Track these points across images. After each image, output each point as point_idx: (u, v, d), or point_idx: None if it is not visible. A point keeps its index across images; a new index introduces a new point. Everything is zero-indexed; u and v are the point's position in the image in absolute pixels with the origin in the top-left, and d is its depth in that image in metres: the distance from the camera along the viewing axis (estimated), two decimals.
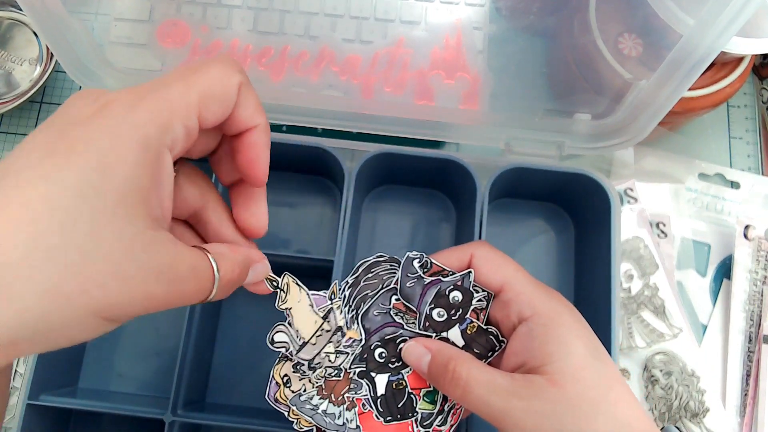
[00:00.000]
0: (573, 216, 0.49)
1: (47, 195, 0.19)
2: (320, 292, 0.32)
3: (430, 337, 0.32)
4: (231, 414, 0.42)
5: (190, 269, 0.23)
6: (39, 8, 0.40)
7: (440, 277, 0.32)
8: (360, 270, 0.33)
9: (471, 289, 0.32)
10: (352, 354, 0.32)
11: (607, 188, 0.43)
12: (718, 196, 0.52)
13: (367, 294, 0.33)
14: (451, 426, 0.33)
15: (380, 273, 0.33)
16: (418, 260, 0.33)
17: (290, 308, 0.31)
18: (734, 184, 0.52)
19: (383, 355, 0.33)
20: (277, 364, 0.33)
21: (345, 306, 0.33)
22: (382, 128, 0.45)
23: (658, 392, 0.46)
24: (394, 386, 0.32)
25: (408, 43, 0.48)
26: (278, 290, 0.31)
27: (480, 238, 0.42)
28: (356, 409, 0.32)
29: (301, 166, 0.49)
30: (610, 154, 0.52)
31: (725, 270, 0.50)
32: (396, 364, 0.33)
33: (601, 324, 0.42)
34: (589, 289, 0.45)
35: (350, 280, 0.33)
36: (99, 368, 0.46)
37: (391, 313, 0.33)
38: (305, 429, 0.32)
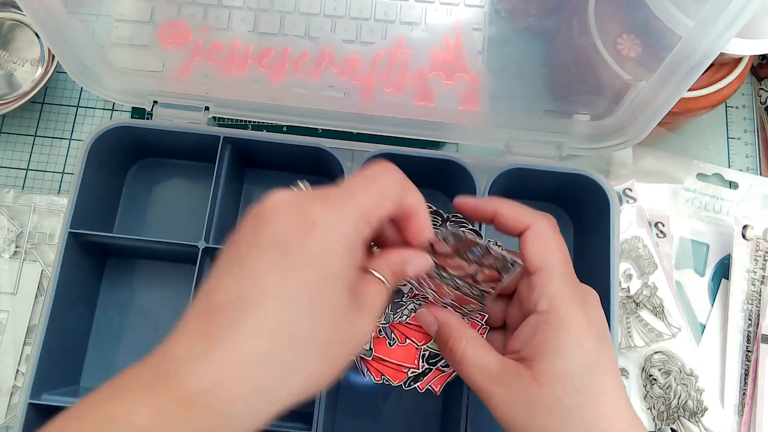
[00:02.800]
0: (572, 216, 0.50)
1: (293, 313, 0.25)
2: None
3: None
4: None
5: (374, 301, 0.29)
6: (40, 9, 0.40)
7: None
8: None
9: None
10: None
11: (606, 188, 0.44)
12: (716, 196, 0.52)
13: None
14: (453, 372, 0.35)
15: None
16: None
17: None
18: (732, 185, 0.52)
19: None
20: None
21: None
22: (381, 129, 0.45)
23: (657, 391, 0.46)
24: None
25: (408, 44, 0.48)
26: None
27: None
28: (372, 334, 0.35)
29: (301, 166, 0.49)
30: (609, 155, 0.52)
31: (724, 270, 0.50)
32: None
33: None
34: None
35: None
36: (100, 367, 0.46)
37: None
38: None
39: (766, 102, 0.54)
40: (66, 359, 0.45)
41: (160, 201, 0.50)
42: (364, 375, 0.35)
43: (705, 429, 0.46)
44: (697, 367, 0.47)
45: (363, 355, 0.35)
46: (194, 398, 0.23)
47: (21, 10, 0.53)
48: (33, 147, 0.54)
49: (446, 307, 0.35)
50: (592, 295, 0.33)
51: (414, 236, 0.31)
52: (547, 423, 0.29)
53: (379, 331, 0.36)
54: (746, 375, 0.47)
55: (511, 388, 0.30)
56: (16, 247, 0.50)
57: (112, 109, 0.55)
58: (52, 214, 0.51)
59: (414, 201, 0.30)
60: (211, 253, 0.44)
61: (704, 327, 0.49)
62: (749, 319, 0.48)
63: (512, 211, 0.34)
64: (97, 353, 0.47)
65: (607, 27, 0.44)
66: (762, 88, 0.55)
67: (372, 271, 0.30)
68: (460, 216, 0.36)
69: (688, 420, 0.46)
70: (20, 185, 0.53)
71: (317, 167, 0.48)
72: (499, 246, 0.33)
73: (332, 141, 0.45)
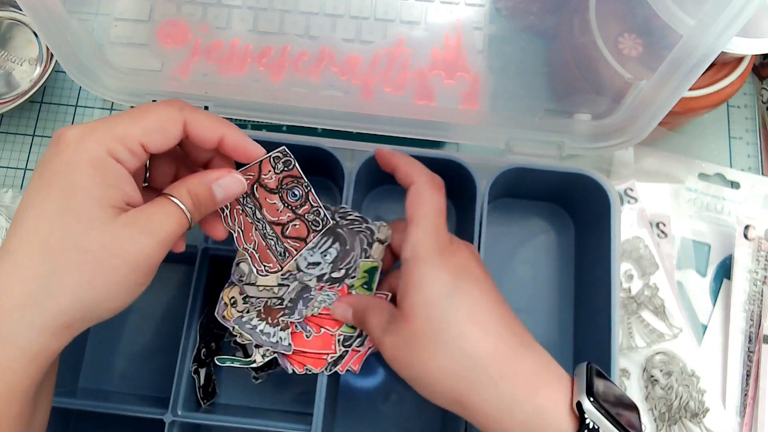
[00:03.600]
0: (573, 216, 0.49)
1: (42, 223, 0.28)
2: None
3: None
4: (231, 414, 0.42)
5: (159, 220, 0.30)
6: (39, 8, 0.40)
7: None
8: None
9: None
10: (293, 288, 0.38)
11: (607, 188, 0.43)
12: (718, 196, 0.52)
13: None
14: (369, 348, 0.39)
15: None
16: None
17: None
18: (734, 184, 0.52)
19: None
20: (227, 287, 0.39)
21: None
22: (382, 128, 0.45)
23: (658, 392, 0.46)
24: None
25: (408, 43, 0.48)
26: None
27: (480, 238, 0.42)
28: (290, 329, 0.38)
29: (301, 166, 0.49)
30: (610, 154, 0.52)
31: (725, 270, 0.50)
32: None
33: (600, 324, 0.42)
34: (589, 288, 0.45)
35: None
36: (99, 368, 0.46)
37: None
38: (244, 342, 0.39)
39: (767, 101, 0.54)
40: (64, 360, 0.44)
41: None
42: (288, 370, 0.38)
43: (707, 430, 0.45)
44: (699, 367, 0.47)
45: (284, 352, 0.38)
46: None
47: (19, 9, 0.53)
48: (31, 146, 0.54)
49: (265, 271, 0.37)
50: (459, 244, 0.36)
51: (244, 159, 0.34)
52: (420, 355, 0.31)
53: (296, 326, 0.38)
54: (748, 376, 0.47)
55: (392, 333, 0.33)
56: None
57: (111, 109, 0.55)
58: None
59: (208, 128, 0.32)
60: (210, 254, 0.43)
61: (706, 327, 0.49)
62: (751, 320, 0.48)
63: (405, 167, 0.36)
64: (96, 354, 0.47)
65: (608, 26, 0.44)
66: (764, 88, 0.55)
67: (167, 193, 0.31)
68: (347, 209, 0.40)
69: (690, 421, 0.46)
70: (19, 185, 0.53)
71: (317, 167, 0.48)
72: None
73: (332, 141, 0.45)
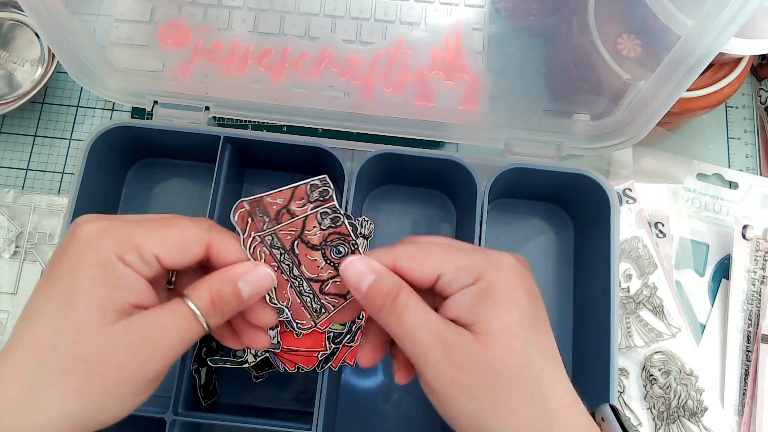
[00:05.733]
0: (572, 216, 0.50)
1: (41, 325, 0.26)
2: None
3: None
4: (232, 413, 0.43)
5: (161, 326, 0.27)
6: (41, 9, 0.40)
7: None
8: None
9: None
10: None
11: (606, 188, 0.44)
12: (716, 196, 0.52)
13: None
14: (359, 344, 0.37)
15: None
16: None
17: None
18: (732, 185, 0.52)
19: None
20: None
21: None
22: (382, 128, 0.45)
23: (657, 391, 0.46)
24: None
25: (408, 44, 0.48)
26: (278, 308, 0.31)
27: (480, 237, 0.42)
28: (278, 328, 0.37)
29: (302, 166, 0.49)
30: (609, 155, 0.52)
31: (723, 270, 0.50)
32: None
33: (600, 323, 0.42)
34: (588, 288, 0.46)
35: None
36: None
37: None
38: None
39: (766, 102, 0.54)
40: None
41: (160, 201, 0.50)
42: (279, 369, 0.38)
43: (705, 429, 0.46)
44: (697, 367, 0.47)
45: (272, 349, 0.37)
46: None
47: (21, 10, 0.53)
48: (33, 147, 0.54)
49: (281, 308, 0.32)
50: (511, 258, 0.30)
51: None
52: (492, 387, 0.26)
53: (285, 325, 0.33)
54: (746, 375, 0.47)
55: (454, 348, 0.27)
56: (16, 247, 0.50)
57: (112, 109, 0.55)
58: (52, 214, 0.51)
59: (232, 255, 0.30)
60: None
61: (704, 327, 0.49)
62: (749, 319, 0.48)
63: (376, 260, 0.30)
64: None
65: (607, 27, 0.44)
66: (762, 88, 0.55)
67: (183, 294, 0.28)
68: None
69: (688, 420, 0.46)
70: (20, 185, 0.53)
71: (317, 167, 0.48)
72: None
73: (332, 141, 0.45)
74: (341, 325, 0.39)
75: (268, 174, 0.51)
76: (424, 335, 0.27)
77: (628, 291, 0.48)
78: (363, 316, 0.39)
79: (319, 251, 0.32)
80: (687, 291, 0.50)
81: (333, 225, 0.32)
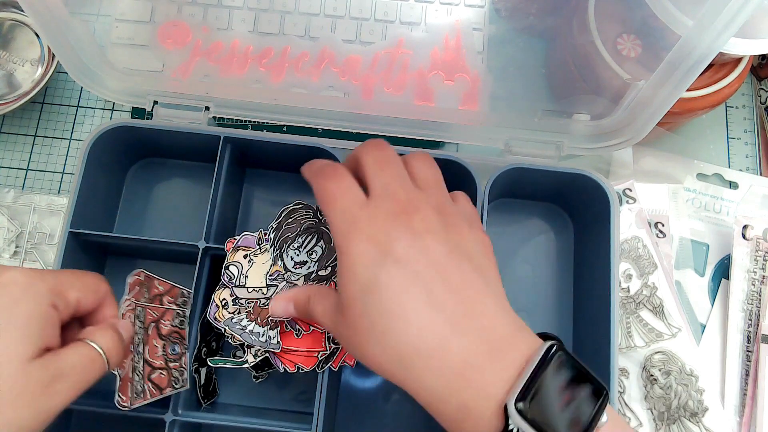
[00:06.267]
0: (572, 216, 0.50)
1: None
2: (250, 234, 0.40)
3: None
4: (232, 413, 0.43)
5: (73, 366, 0.31)
6: (41, 9, 0.40)
7: None
8: (282, 215, 0.40)
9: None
10: (281, 288, 0.39)
11: (606, 188, 0.44)
12: (716, 196, 0.52)
13: (288, 236, 0.40)
14: None
15: (298, 218, 0.39)
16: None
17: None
18: (732, 184, 0.52)
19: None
20: (218, 289, 0.40)
21: (270, 246, 0.40)
22: (382, 129, 0.45)
23: (657, 392, 0.46)
24: None
25: (408, 44, 0.48)
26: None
27: None
28: (278, 328, 0.39)
29: (301, 166, 0.49)
30: (609, 155, 0.52)
31: (724, 270, 0.50)
32: None
33: (599, 323, 0.42)
34: (588, 288, 0.46)
35: (274, 224, 0.40)
36: None
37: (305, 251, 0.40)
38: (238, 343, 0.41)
39: (766, 102, 0.54)
40: None
41: (160, 201, 0.50)
42: (279, 369, 0.39)
43: (705, 429, 0.46)
44: (698, 367, 0.47)
45: (273, 350, 0.39)
46: None
47: (21, 10, 0.53)
48: (33, 147, 0.54)
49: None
50: (378, 219, 0.33)
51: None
52: (358, 345, 0.31)
53: (286, 325, 0.39)
54: (746, 375, 0.47)
55: (338, 323, 0.32)
56: (16, 247, 0.50)
57: (112, 109, 0.55)
58: (52, 214, 0.51)
59: (112, 312, 0.36)
60: (211, 253, 0.44)
61: (704, 327, 0.49)
62: (749, 319, 0.48)
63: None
64: None
65: (607, 27, 0.44)
66: (762, 88, 0.55)
67: (85, 339, 0.33)
68: None
69: (689, 420, 0.46)
70: (20, 185, 0.53)
71: None
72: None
73: (332, 141, 0.45)
74: None
75: (268, 174, 0.51)
76: (322, 319, 0.34)
77: (628, 291, 0.48)
78: None
79: (162, 342, 0.39)
80: (687, 291, 0.50)
81: (179, 326, 0.41)
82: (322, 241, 0.40)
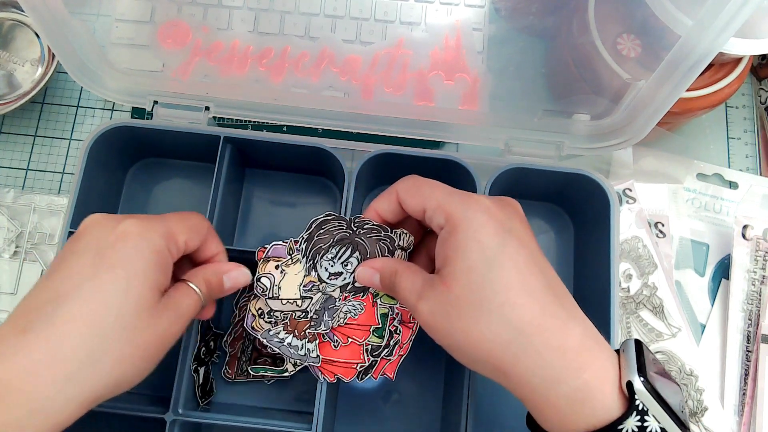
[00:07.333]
0: (572, 216, 0.50)
1: (97, 310, 0.30)
2: (279, 243, 0.39)
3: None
4: (232, 413, 0.43)
5: (185, 304, 0.34)
6: (41, 9, 0.40)
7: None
8: (313, 227, 0.39)
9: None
10: (317, 299, 0.38)
11: (606, 188, 0.44)
12: (716, 196, 0.52)
13: (320, 246, 0.38)
14: (401, 356, 0.39)
15: (330, 229, 0.38)
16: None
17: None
18: (732, 184, 0.52)
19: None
20: (252, 299, 0.40)
21: (303, 257, 0.39)
22: (381, 128, 0.45)
23: None
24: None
25: (408, 44, 0.48)
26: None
27: None
28: (317, 340, 0.38)
29: (301, 166, 0.49)
30: (609, 155, 0.52)
31: (723, 270, 0.50)
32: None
33: (600, 323, 0.42)
34: (589, 288, 0.46)
35: (305, 235, 0.39)
36: None
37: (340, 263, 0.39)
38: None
39: (766, 102, 0.54)
40: None
41: (160, 201, 0.50)
42: (319, 380, 0.39)
43: (705, 429, 0.46)
44: (697, 367, 0.47)
45: (312, 363, 0.38)
46: (5, 387, 0.27)
47: (21, 10, 0.53)
48: (33, 147, 0.54)
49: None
50: (502, 202, 0.33)
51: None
52: (462, 323, 0.30)
53: (323, 336, 0.39)
54: (746, 375, 0.47)
55: (430, 299, 0.31)
56: (16, 247, 0.50)
57: (112, 109, 0.55)
58: (52, 214, 0.51)
59: (215, 246, 0.38)
60: None
61: (704, 327, 0.49)
62: (749, 319, 0.48)
63: (382, 203, 0.37)
64: None
65: (606, 27, 0.44)
66: (762, 88, 0.55)
67: (185, 279, 0.35)
68: (364, 218, 0.38)
69: (689, 420, 0.46)
70: (20, 185, 0.53)
71: (317, 167, 0.48)
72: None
73: (332, 141, 0.45)
74: (379, 338, 0.38)
75: (268, 174, 0.51)
76: (411, 300, 0.33)
77: (628, 291, 0.48)
78: (401, 331, 0.39)
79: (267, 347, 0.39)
80: (687, 291, 0.50)
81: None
82: (357, 252, 0.38)
